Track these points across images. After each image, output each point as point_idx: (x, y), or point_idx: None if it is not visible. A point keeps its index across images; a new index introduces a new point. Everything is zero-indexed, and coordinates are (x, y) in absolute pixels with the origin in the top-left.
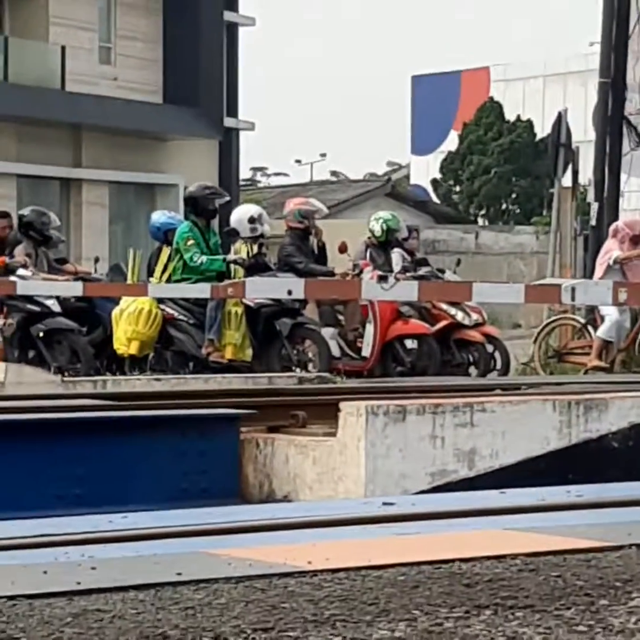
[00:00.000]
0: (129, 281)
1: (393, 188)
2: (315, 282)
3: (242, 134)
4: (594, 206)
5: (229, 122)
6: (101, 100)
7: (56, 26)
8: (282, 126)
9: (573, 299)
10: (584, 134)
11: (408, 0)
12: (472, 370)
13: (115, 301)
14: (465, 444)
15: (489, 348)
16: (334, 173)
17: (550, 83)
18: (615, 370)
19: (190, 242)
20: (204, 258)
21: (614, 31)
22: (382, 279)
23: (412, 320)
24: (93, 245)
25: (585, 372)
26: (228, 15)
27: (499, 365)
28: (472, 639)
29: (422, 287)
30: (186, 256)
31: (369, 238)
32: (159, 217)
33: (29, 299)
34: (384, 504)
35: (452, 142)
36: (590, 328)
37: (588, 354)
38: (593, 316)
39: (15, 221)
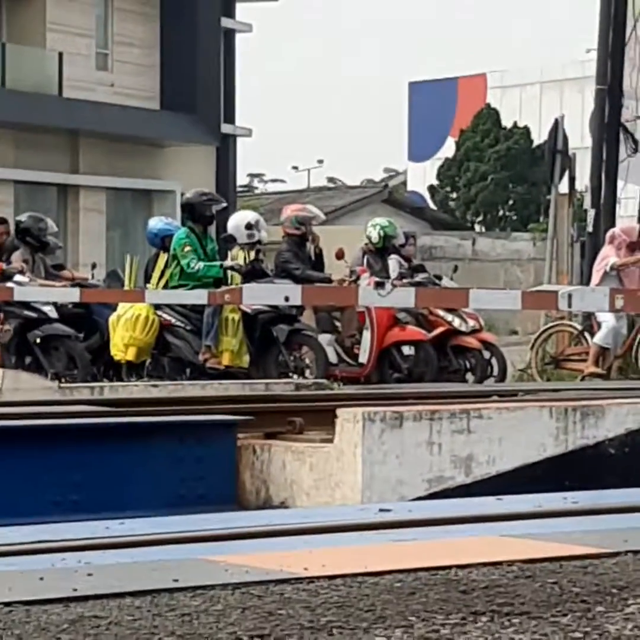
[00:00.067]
0: (126, 287)
1: (390, 194)
2: (312, 289)
3: (239, 140)
4: (591, 213)
5: (226, 128)
6: (98, 106)
7: (53, 32)
8: (279, 132)
9: (570, 305)
10: (580, 140)
11: (406, 7)
12: (469, 376)
13: (113, 307)
14: (462, 451)
15: (486, 354)
16: (331, 179)
17: (547, 90)
18: (612, 376)
19: (188, 248)
20: (201, 264)
21: (610, 38)
22: (379, 285)
23: (409, 326)
24: (90, 252)
25: (582, 379)
26: (225, 22)
27: (495, 371)
28: None
29: (419, 294)
30: (183, 262)
31: (366, 244)
32: (156, 223)
33: (26, 305)
34: (381, 510)
35: (449, 148)
36: (587, 334)
37: (585, 360)
38: (590, 323)
39: (12, 227)
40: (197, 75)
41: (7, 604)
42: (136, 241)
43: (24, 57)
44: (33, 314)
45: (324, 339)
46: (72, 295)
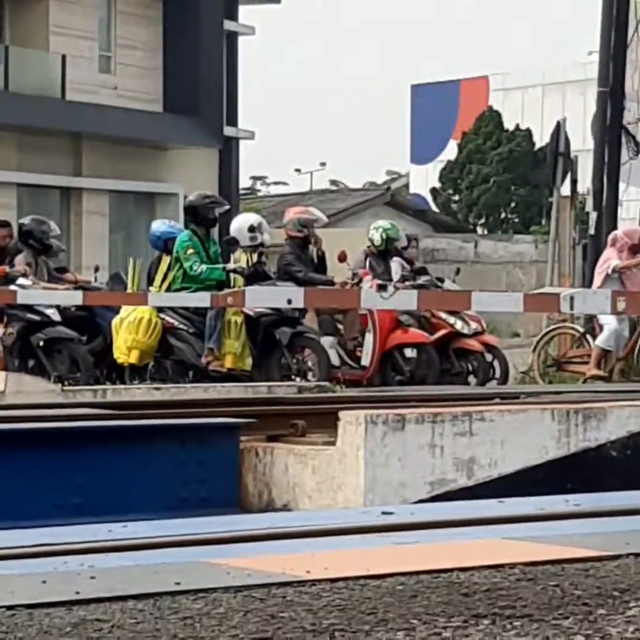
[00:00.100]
0: (129, 290)
1: (392, 197)
2: (314, 291)
3: (242, 142)
4: (593, 215)
5: (228, 131)
6: (101, 109)
7: (56, 35)
8: (281, 135)
9: (572, 307)
10: (582, 143)
11: (407, 9)
12: (471, 379)
13: (115, 310)
14: (464, 453)
15: (488, 357)
16: (333, 182)
17: (549, 92)
18: (614, 379)
19: (190, 251)
20: (204, 267)
21: (612, 40)
22: (382, 287)
23: (411, 329)
24: (93, 254)
25: (584, 381)
26: (228, 25)
27: (497, 374)
28: None
29: (421, 296)
30: (186, 265)
31: (368, 247)
32: (159, 226)
33: (29, 308)
34: (383, 513)
35: (451, 151)
36: (589, 337)
37: (587, 362)
38: (592, 325)
39: (15, 230)
40: (199, 78)
41: (9, 607)
42: (139, 244)
43: (27, 60)
44: (36, 317)
45: (327, 341)
46: (75, 298)
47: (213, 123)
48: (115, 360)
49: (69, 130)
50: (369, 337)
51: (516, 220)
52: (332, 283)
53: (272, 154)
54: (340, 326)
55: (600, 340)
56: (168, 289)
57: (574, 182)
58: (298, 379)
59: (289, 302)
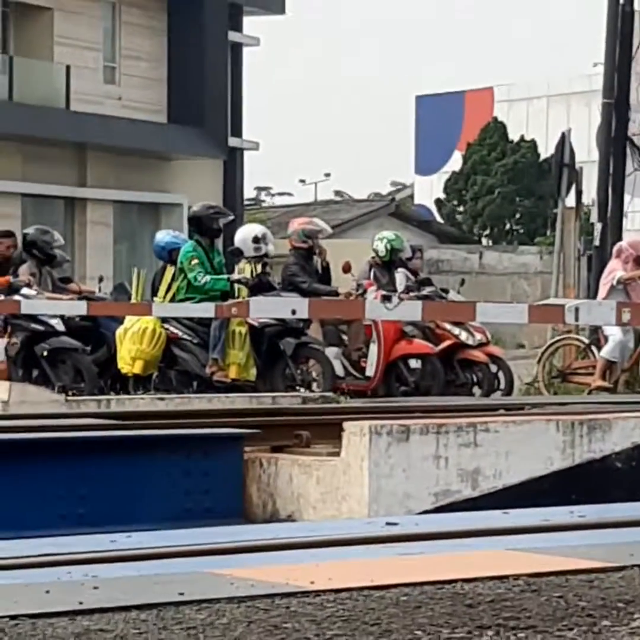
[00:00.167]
0: (133, 300)
1: (397, 208)
2: (319, 302)
3: (246, 153)
4: (598, 226)
5: (233, 141)
6: (106, 119)
7: (61, 46)
8: (286, 146)
9: (577, 319)
10: (587, 154)
11: (412, 19)
12: (476, 390)
13: (119, 320)
14: (468, 464)
15: (493, 368)
16: (338, 193)
17: (553, 103)
18: (619, 390)
19: (194, 261)
20: (208, 277)
21: (617, 52)
22: (386, 298)
23: (415, 340)
24: (97, 265)
25: (589, 393)
26: (232, 36)
27: (502, 385)
28: None
29: (425, 307)
30: (190, 276)
31: (372, 258)
32: (163, 236)
33: (33, 318)
34: (388, 524)
35: (456, 162)
36: (594, 348)
37: (592, 374)
38: (597, 336)
39: (19, 240)
40: (204, 89)
41: (13, 617)
42: (143, 254)
43: (32, 71)
44: (40, 327)
45: (331, 352)
46: (79, 308)
47: (217, 134)
48: (119, 370)
49: (73, 141)
50: (373, 348)
51: (521, 231)
52: (337, 294)
53: (276, 165)
54: (344, 337)
55: (605, 352)
56: (172, 300)
57: (578, 194)
58: (302, 389)
59: (294, 312)
